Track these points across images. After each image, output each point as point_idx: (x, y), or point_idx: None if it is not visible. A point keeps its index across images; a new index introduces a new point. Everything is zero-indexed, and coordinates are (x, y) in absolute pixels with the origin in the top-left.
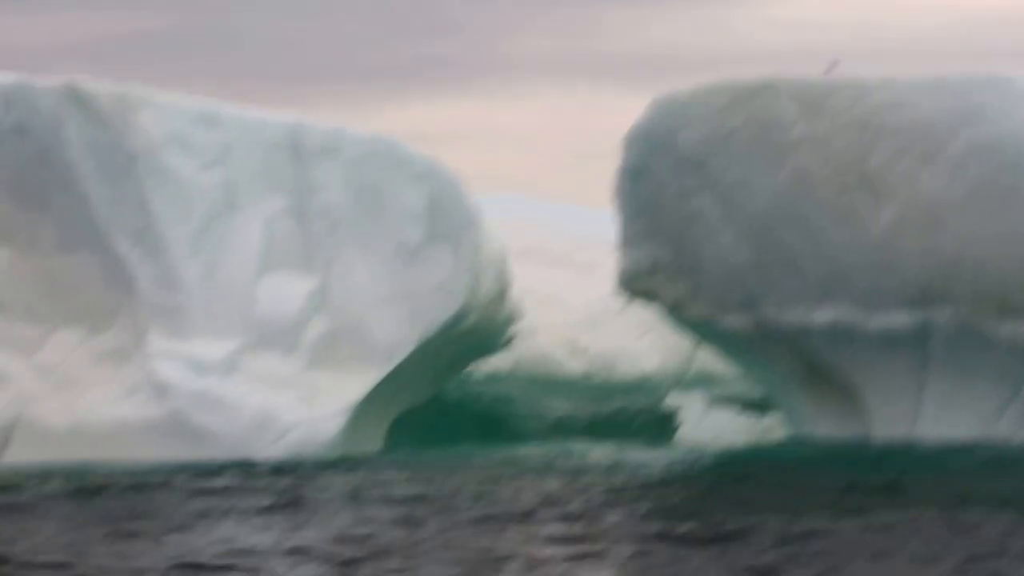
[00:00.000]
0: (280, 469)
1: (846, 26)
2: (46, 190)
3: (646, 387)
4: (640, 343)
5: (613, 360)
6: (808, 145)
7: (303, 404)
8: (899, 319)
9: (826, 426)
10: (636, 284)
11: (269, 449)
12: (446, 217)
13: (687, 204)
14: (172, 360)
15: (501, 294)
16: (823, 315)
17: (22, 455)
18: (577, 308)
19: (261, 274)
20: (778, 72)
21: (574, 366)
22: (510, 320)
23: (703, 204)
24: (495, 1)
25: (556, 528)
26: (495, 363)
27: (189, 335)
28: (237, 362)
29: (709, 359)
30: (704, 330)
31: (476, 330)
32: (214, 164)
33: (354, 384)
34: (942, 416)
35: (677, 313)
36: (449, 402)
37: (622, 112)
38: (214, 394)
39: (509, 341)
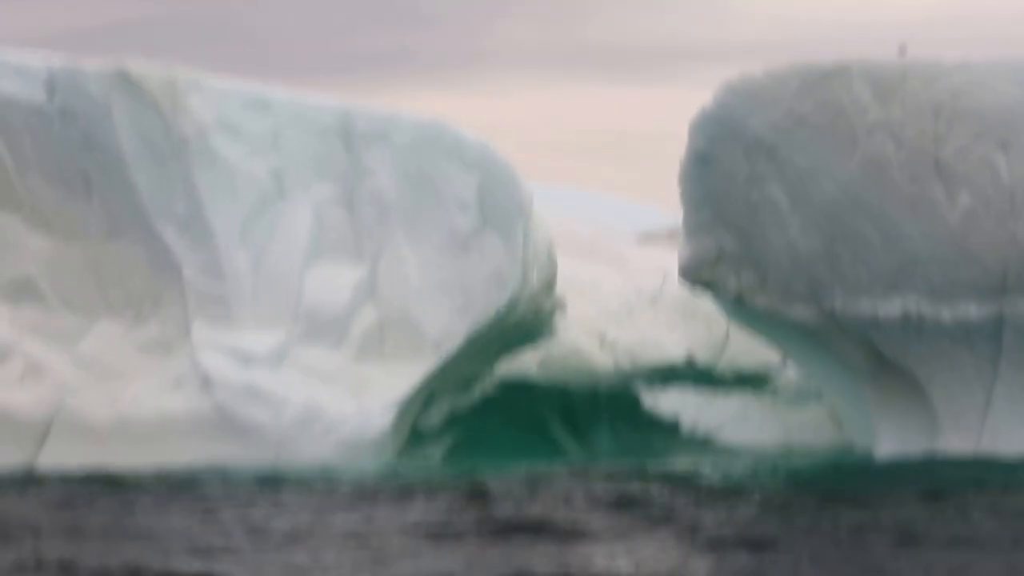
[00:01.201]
0: None
1: (839, 20)
2: (91, 175)
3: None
4: (671, 335)
5: (641, 352)
6: (881, 130)
7: (351, 398)
8: (972, 311)
9: (891, 421)
10: (699, 274)
11: (317, 445)
12: (498, 205)
13: (755, 191)
14: (218, 351)
15: (549, 284)
16: (893, 306)
17: (61, 449)
18: (605, 300)
19: (309, 263)
20: (847, 54)
21: (603, 359)
22: (555, 310)
23: (772, 192)
24: None
25: None
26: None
27: (236, 326)
28: (284, 354)
29: (739, 351)
30: (768, 322)
31: (523, 321)
32: (263, 150)
33: (403, 377)
34: (1013, 410)
35: (741, 304)
36: (499, 394)
37: (603, 104)
38: (261, 387)
39: (553, 332)
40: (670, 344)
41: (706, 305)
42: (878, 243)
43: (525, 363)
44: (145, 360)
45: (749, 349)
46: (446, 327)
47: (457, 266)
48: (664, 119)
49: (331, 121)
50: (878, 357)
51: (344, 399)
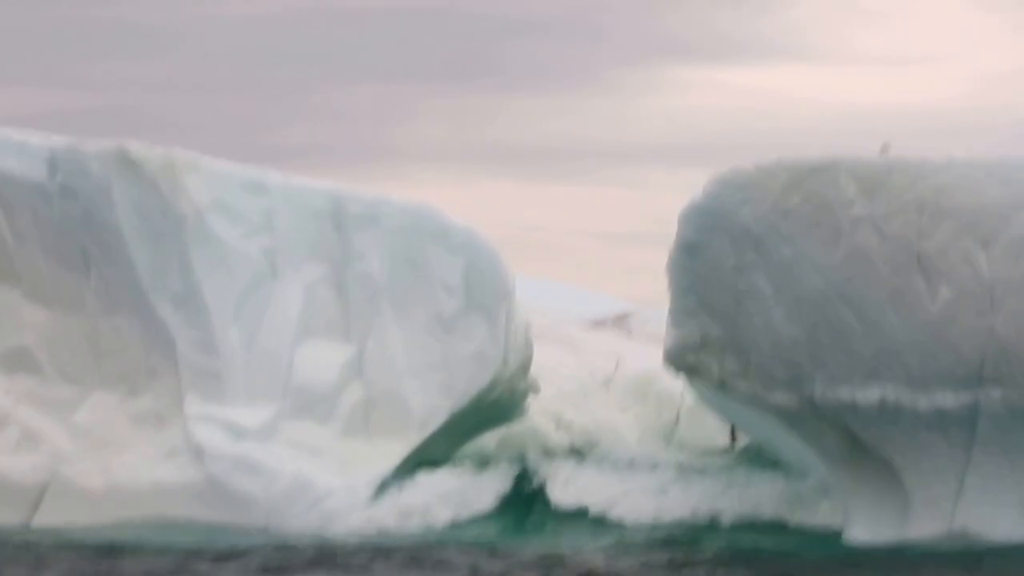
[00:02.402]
0: None
1: (749, 120)
2: (90, 252)
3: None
4: (623, 417)
5: (597, 434)
6: (866, 224)
7: (337, 472)
8: (948, 399)
9: (863, 506)
10: (684, 359)
11: (305, 515)
12: (482, 288)
13: (741, 280)
14: (210, 424)
15: (524, 366)
16: (871, 394)
17: (55, 513)
18: (560, 383)
19: (299, 341)
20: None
21: (560, 439)
22: (528, 391)
23: (757, 281)
24: (385, 87)
25: None
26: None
27: (228, 400)
28: (274, 428)
29: (688, 433)
30: (747, 408)
31: (500, 400)
32: (257, 231)
33: (387, 453)
34: (985, 497)
35: (723, 389)
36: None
37: (517, 202)
38: (252, 459)
39: (524, 412)
40: (623, 426)
41: (657, 388)
42: (859, 332)
43: (485, 441)
44: (138, 431)
45: (699, 432)
46: (430, 405)
47: (442, 346)
48: (574, 214)
49: (323, 204)
50: (853, 443)
51: (330, 473)
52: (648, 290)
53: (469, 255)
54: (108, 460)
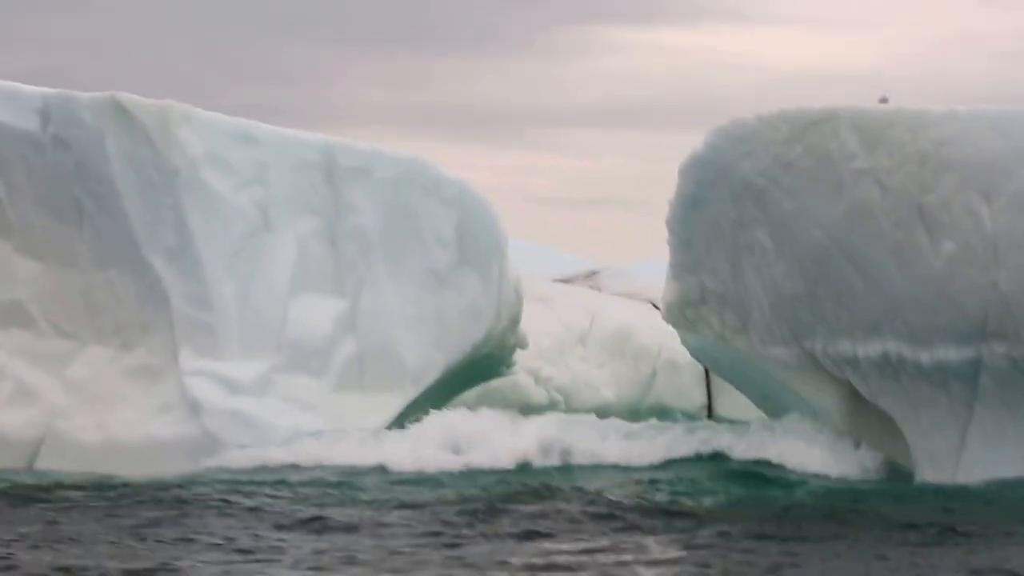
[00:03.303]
0: None
1: (678, 82)
2: (84, 204)
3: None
4: (600, 372)
5: (574, 390)
6: (867, 177)
7: (332, 427)
8: (950, 354)
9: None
10: (683, 314)
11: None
12: (476, 241)
13: (742, 234)
14: (205, 379)
15: (515, 320)
16: (873, 348)
17: (50, 467)
18: (536, 339)
19: (293, 295)
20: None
21: (539, 394)
22: (517, 346)
23: (758, 235)
24: (324, 50)
25: None
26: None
27: (222, 354)
28: (269, 382)
29: (664, 389)
30: (747, 363)
31: (491, 355)
32: (251, 183)
33: (382, 408)
34: (986, 452)
35: (722, 344)
36: None
37: (449, 164)
38: (247, 414)
39: (511, 367)
40: (599, 382)
41: (633, 344)
42: (861, 287)
43: (464, 398)
44: (133, 385)
45: (675, 389)
46: (424, 359)
47: (435, 300)
48: (506, 177)
49: (315, 156)
50: (853, 399)
51: (325, 427)
52: (596, 251)
53: (462, 208)
54: (103, 415)
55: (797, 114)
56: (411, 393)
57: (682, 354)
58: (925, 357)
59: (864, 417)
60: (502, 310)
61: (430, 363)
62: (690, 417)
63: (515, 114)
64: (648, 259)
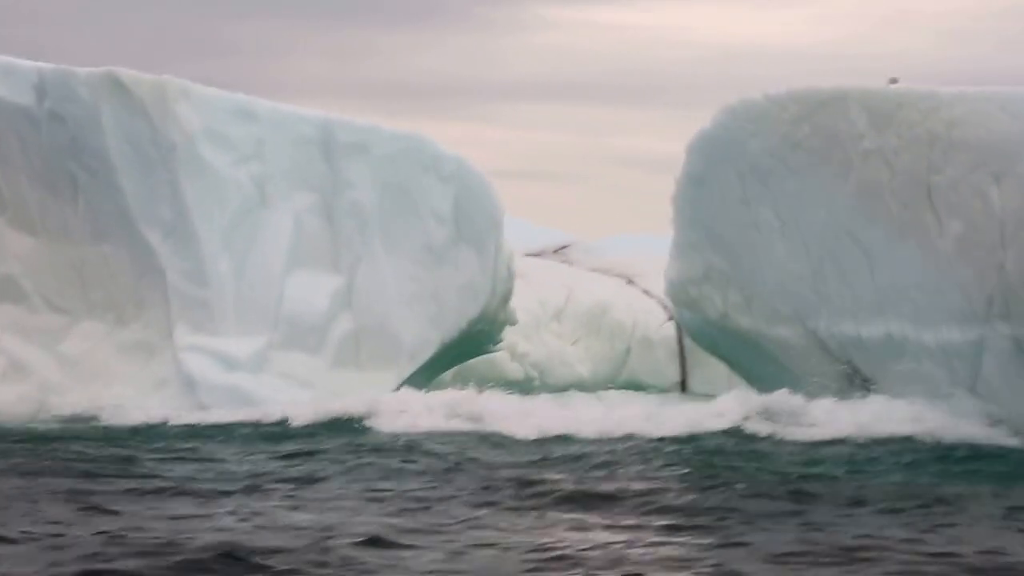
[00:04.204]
0: None
1: (614, 58)
2: (78, 178)
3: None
4: (575, 349)
5: (549, 367)
6: (876, 157)
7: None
8: (954, 334)
9: None
10: (686, 292)
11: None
12: (472, 218)
13: (748, 213)
14: (201, 355)
15: (506, 297)
16: (876, 328)
17: None
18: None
19: (289, 271)
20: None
21: (515, 370)
22: (507, 323)
23: (763, 214)
24: (268, 23)
25: None
26: None
27: (218, 330)
28: (265, 359)
29: (638, 366)
30: (748, 342)
31: (481, 331)
32: (248, 158)
33: (378, 384)
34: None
35: (724, 323)
36: None
37: None
38: (243, 390)
39: (499, 343)
40: (574, 358)
41: (609, 320)
42: (866, 267)
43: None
44: (127, 361)
45: (649, 366)
46: (420, 336)
47: (432, 277)
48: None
49: (312, 132)
50: (855, 379)
51: None
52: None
53: (459, 184)
54: (97, 391)
55: (806, 94)
56: (407, 370)
57: (656, 331)
58: (929, 337)
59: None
60: (497, 287)
61: (426, 340)
62: (664, 393)
63: (455, 87)
64: (620, 234)
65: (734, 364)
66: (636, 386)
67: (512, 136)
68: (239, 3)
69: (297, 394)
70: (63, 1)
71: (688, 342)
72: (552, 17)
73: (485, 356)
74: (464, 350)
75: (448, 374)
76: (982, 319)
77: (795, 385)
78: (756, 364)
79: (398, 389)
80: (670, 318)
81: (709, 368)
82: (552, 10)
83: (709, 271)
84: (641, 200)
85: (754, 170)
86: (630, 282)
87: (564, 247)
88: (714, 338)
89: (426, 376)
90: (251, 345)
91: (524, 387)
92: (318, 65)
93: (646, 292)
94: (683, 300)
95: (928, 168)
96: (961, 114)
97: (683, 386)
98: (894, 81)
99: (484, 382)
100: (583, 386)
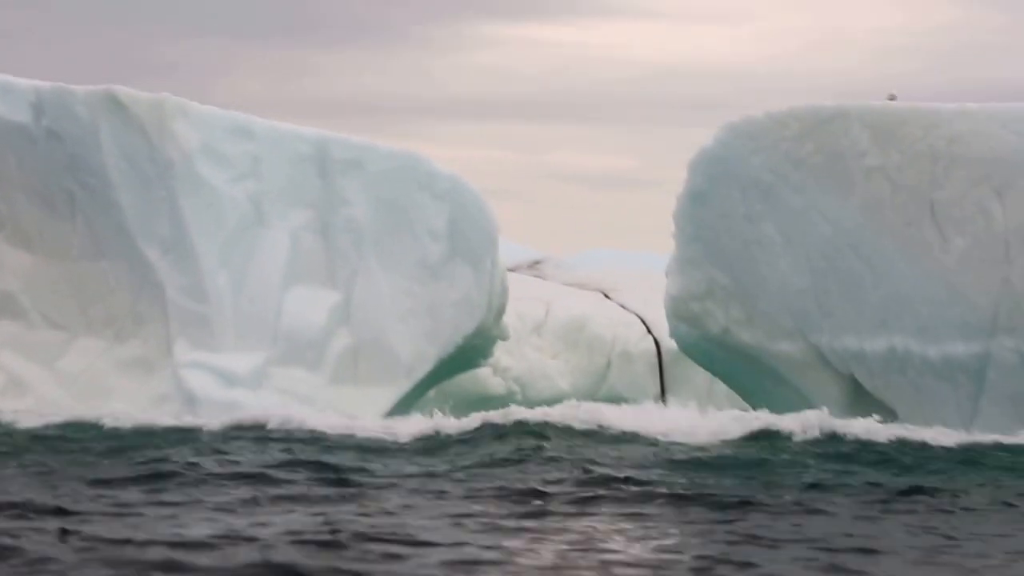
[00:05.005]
0: None
1: (550, 76)
2: (76, 196)
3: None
4: (555, 363)
5: (530, 381)
6: (878, 174)
7: None
8: (958, 348)
9: None
10: (687, 307)
11: None
12: (468, 235)
13: (750, 229)
14: (200, 371)
15: (500, 312)
16: (879, 343)
17: None
18: None
19: (287, 287)
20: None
21: (496, 385)
22: (499, 338)
23: (766, 230)
24: (206, 41)
25: None
26: None
27: (217, 346)
28: (264, 375)
29: (618, 380)
30: (749, 358)
31: (475, 346)
32: (245, 176)
33: (376, 400)
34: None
35: (725, 339)
36: None
37: None
38: (243, 406)
39: (489, 358)
40: (555, 372)
41: (588, 334)
42: (869, 282)
43: None
44: (126, 378)
45: (629, 379)
46: (417, 352)
47: (428, 293)
48: None
49: (308, 149)
50: (857, 394)
51: None
52: None
53: (454, 201)
54: (96, 408)
55: (808, 111)
56: (405, 386)
57: (636, 344)
58: (933, 351)
59: (865, 414)
60: (492, 301)
61: (423, 355)
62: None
63: (392, 106)
64: (594, 248)
65: (730, 379)
66: (616, 399)
67: (451, 154)
68: (176, 22)
69: (296, 412)
70: (10, 20)
71: (667, 356)
72: (491, 35)
73: (468, 372)
74: (456, 365)
75: (431, 391)
76: (987, 333)
77: (793, 401)
78: (754, 379)
79: (396, 405)
80: (648, 332)
81: (687, 383)
82: (491, 27)
83: (711, 286)
84: (584, 214)
85: (756, 186)
86: (606, 296)
87: (538, 262)
88: (711, 353)
89: (417, 391)
90: (250, 361)
91: (506, 402)
92: (255, 84)
93: (623, 306)
94: (684, 315)
95: (931, 184)
96: (962, 130)
97: (663, 400)
98: (893, 97)
99: (467, 397)
100: (564, 400)
